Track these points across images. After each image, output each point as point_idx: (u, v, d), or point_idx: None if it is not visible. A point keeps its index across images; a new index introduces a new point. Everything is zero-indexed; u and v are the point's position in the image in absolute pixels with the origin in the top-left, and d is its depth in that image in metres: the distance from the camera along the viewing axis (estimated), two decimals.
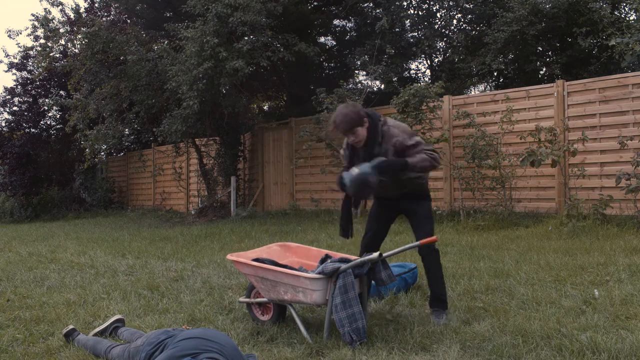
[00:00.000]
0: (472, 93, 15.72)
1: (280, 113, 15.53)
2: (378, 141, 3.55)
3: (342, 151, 3.85)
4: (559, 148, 7.27)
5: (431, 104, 8.99)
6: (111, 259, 6.78)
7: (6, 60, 19.60)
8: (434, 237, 3.40)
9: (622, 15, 11.56)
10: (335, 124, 3.52)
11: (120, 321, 3.62)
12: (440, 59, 15.02)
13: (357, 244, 6.98)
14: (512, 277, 4.63)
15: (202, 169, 13.30)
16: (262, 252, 4.02)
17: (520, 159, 7.26)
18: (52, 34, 13.00)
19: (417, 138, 3.58)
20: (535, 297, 3.96)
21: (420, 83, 10.27)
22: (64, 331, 3.48)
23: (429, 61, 15.26)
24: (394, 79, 13.59)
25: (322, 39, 15.63)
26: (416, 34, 14.30)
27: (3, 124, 17.64)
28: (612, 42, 8.15)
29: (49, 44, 13.31)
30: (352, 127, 3.49)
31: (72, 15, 14.09)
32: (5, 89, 17.43)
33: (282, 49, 11.23)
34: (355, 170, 3.43)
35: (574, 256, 5.40)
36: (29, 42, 27.77)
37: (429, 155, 3.47)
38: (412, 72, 15.77)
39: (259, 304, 3.77)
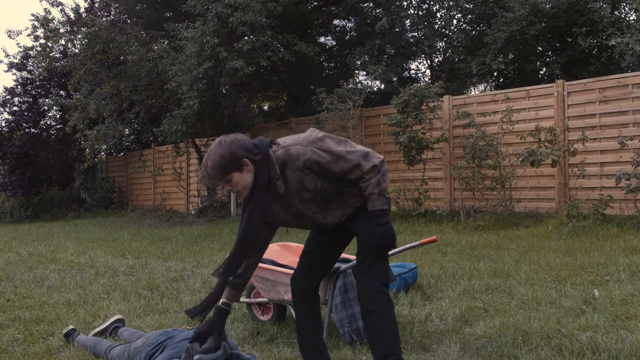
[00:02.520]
0: (472, 93, 15.73)
1: (280, 113, 15.52)
2: (277, 175, 2.45)
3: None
4: (559, 148, 7.27)
5: (431, 104, 8.99)
6: (111, 259, 6.78)
7: (6, 60, 19.61)
8: (434, 237, 3.29)
9: (622, 15, 11.56)
10: (205, 171, 2.42)
11: (120, 321, 3.61)
12: (440, 59, 15.01)
13: (355, 243, 7.00)
14: (512, 277, 4.63)
15: None
16: None
17: (520, 159, 7.27)
18: (52, 34, 13.02)
19: (350, 156, 2.44)
20: (535, 297, 3.96)
21: (420, 83, 10.27)
22: (64, 331, 3.48)
23: (429, 61, 15.26)
24: (394, 79, 13.60)
25: (322, 39, 15.62)
26: (416, 34, 14.29)
27: (3, 124, 17.64)
28: (612, 42, 8.17)
29: (49, 44, 13.34)
30: (224, 173, 2.40)
31: (72, 16, 14.11)
32: (5, 89, 17.43)
33: (282, 49, 11.23)
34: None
35: (574, 256, 5.40)
36: (29, 42, 27.79)
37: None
38: (412, 72, 15.76)
39: (259, 304, 3.77)
